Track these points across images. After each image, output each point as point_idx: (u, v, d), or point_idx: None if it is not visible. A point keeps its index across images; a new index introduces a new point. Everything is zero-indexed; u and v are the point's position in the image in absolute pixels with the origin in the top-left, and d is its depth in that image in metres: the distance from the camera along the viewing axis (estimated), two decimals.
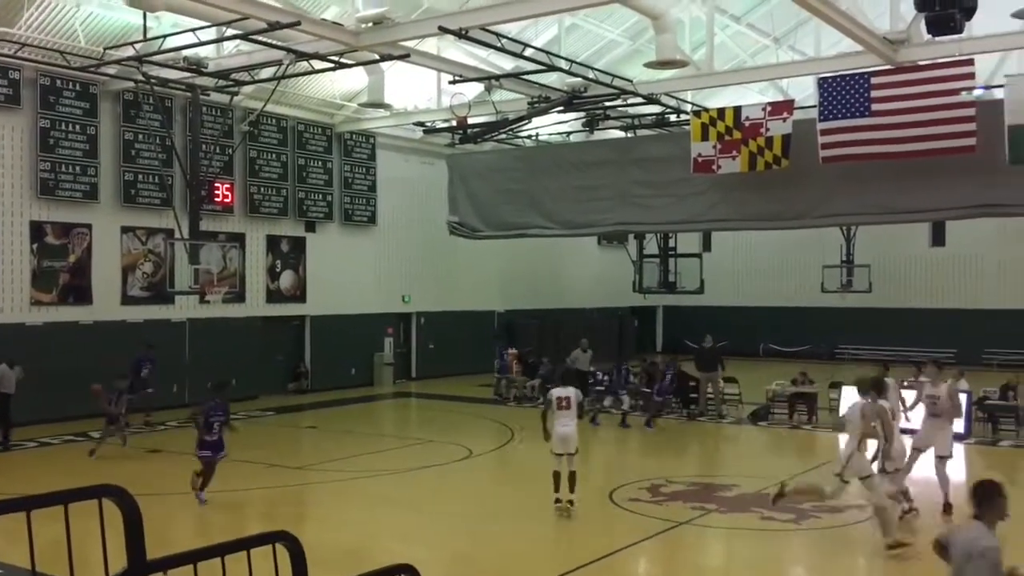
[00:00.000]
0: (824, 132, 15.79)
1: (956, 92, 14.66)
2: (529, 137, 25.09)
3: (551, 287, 31.66)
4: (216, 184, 20.95)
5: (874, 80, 15.32)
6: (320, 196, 24.67)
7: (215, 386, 12.85)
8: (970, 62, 14.62)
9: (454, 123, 21.77)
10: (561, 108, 20.96)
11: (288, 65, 16.98)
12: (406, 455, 15.79)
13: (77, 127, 19.28)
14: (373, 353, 25.76)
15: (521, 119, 21.56)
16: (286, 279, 24.03)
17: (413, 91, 23.49)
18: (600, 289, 33.39)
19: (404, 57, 17.26)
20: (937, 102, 14.60)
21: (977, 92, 16.13)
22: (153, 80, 17.83)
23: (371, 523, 11.83)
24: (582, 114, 22.69)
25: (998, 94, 15.35)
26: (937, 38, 14.84)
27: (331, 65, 17.61)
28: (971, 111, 14.42)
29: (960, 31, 14.60)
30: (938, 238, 32.72)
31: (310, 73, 19.34)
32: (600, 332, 32.93)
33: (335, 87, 23.51)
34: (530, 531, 11.04)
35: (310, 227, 24.56)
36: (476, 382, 25.13)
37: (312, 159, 24.43)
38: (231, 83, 18.96)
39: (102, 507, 2.99)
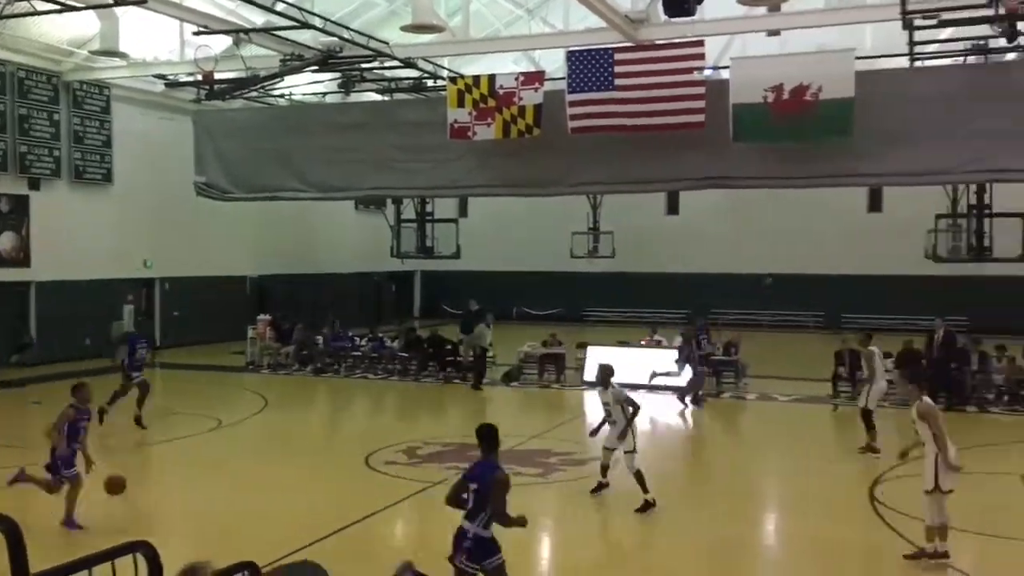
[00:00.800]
0: (572, 104, 16.47)
1: (688, 71, 15.78)
2: (282, 96, 24.19)
3: (307, 252, 30.93)
4: None
5: (617, 56, 16.13)
6: (45, 151, 22.43)
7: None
8: (700, 43, 15.77)
9: (199, 77, 20.53)
10: (315, 68, 20.36)
11: (7, 3, 15.22)
12: (145, 430, 14.87)
13: None
14: (111, 322, 23.93)
15: (273, 77, 20.73)
16: (6, 241, 21.73)
17: (153, 41, 21.86)
18: (357, 254, 33.06)
19: (141, 2, 16.00)
20: (671, 80, 15.66)
21: (707, 72, 17.43)
22: None
23: (107, 503, 11.06)
24: (338, 75, 22.18)
25: (725, 75, 16.66)
26: (673, 19, 15.87)
27: (56, 7, 15.98)
28: (701, 90, 15.59)
29: (692, 14, 15.70)
30: (672, 207, 35.29)
31: (33, 14, 17.43)
32: (357, 297, 32.71)
33: (63, 31, 21.37)
34: (283, 500, 10.80)
35: (34, 184, 22.31)
36: (228, 350, 24.11)
37: (36, 109, 22.14)
38: None
39: None
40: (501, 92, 17.55)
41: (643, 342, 21.17)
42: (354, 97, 23.89)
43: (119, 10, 17.50)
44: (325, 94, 24.24)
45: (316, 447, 14.73)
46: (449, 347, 21.27)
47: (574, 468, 12.42)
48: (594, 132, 16.47)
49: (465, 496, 6.41)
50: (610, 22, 15.94)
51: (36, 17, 18.03)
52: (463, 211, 32.96)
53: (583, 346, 21.12)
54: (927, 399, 8.55)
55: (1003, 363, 17.91)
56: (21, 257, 22.03)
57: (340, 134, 20.70)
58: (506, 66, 23.93)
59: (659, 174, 17.17)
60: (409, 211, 29.12)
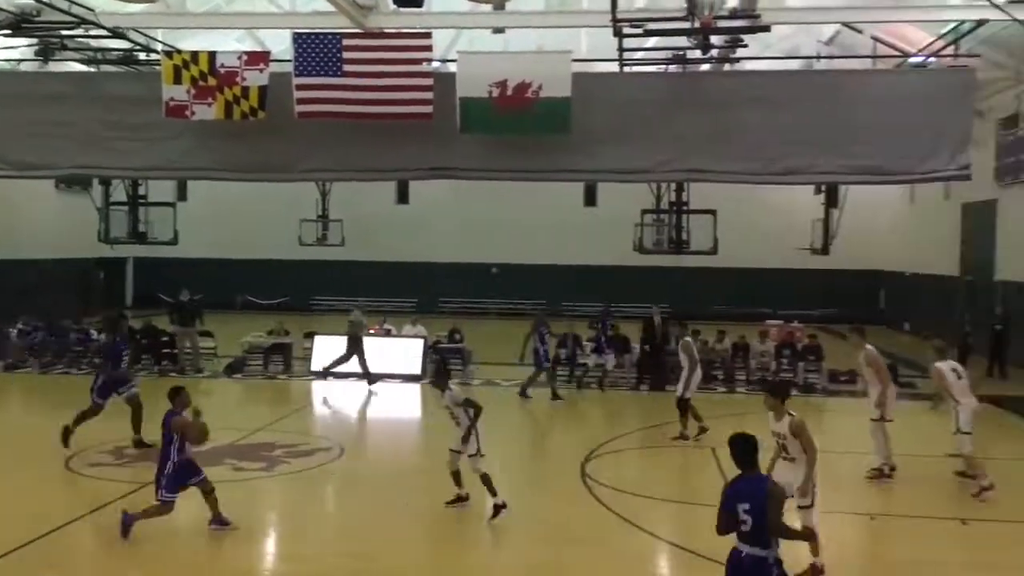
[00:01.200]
0: (299, 88, 16.01)
1: (417, 62, 15.87)
2: None
3: (2, 234, 27.81)
4: None
5: (345, 42, 15.89)
6: None
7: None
8: (429, 35, 15.91)
9: None
10: (7, 32, 18.24)
11: None
12: None
13: None
14: None
15: None
16: None
17: None
18: (59, 238, 30.20)
19: None
20: (400, 69, 15.68)
21: (435, 64, 17.64)
22: None
23: None
24: (34, 41, 20.01)
25: (452, 68, 16.97)
26: (402, 9, 15.92)
27: None
28: (429, 81, 15.73)
29: (420, 5, 15.85)
30: (403, 197, 35.51)
31: None
32: (59, 285, 29.87)
33: None
34: None
35: None
36: None
37: None
38: None
39: None
40: (223, 71, 16.67)
41: (372, 331, 21.16)
42: (53, 66, 21.71)
43: None
44: (20, 61, 21.83)
45: (5, 452, 13.29)
46: (165, 339, 20.06)
47: (300, 459, 12.19)
48: (321, 118, 16.13)
49: (740, 520, 5.82)
50: (338, 7, 15.67)
51: None
52: (182, 194, 30.96)
53: (311, 335, 20.76)
54: (795, 415, 7.99)
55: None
56: None
57: (38, 107, 18.67)
58: (228, 44, 22.84)
59: (388, 163, 17.13)
60: (120, 193, 26.98)
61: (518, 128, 15.46)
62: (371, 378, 18.52)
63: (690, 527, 9.58)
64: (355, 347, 18.60)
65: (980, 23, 16.45)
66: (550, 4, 18.24)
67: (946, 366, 11.08)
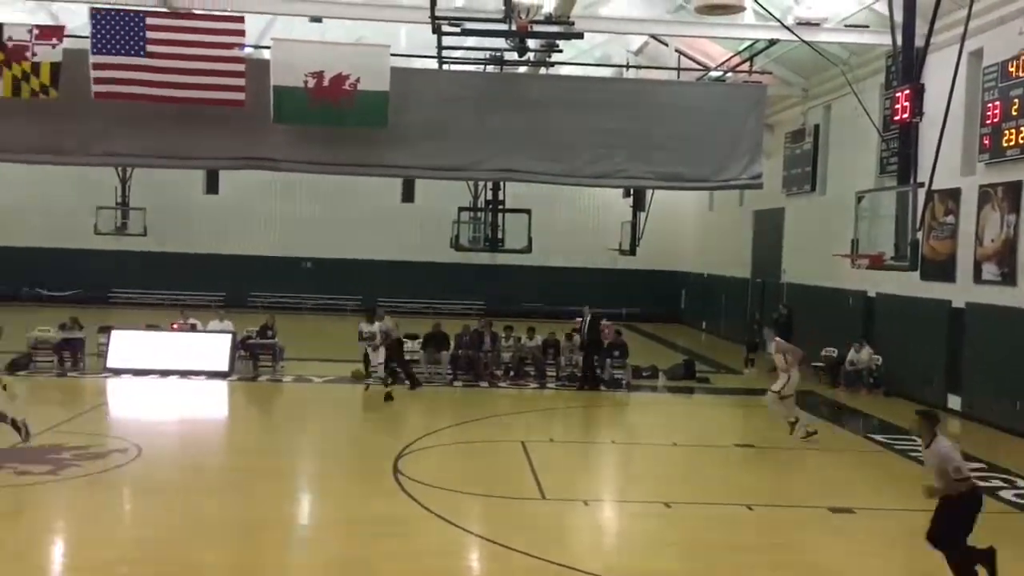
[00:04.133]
0: (96, 66, 15.00)
1: (229, 46, 15.24)
2: None
3: None
4: None
5: (149, 20, 15.04)
6: None
7: None
8: (241, 19, 15.34)
9: None
10: None
11: None
12: None
13: None
14: None
15: None
16: None
17: None
18: None
19: None
20: (210, 53, 15.01)
21: (248, 50, 17.02)
22: None
23: None
24: None
25: (266, 54, 16.44)
26: None
27: None
28: (241, 67, 15.15)
29: None
30: (212, 186, 34.10)
31: None
32: None
33: None
34: None
35: None
36: None
37: None
38: None
39: None
40: (11, 45, 15.37)
41: (174, 325, 20.18)
42: None
43: None
44: None
45: None
46: None
47: (91, 462, 11.44)
48: (121, 99, 15.17)
49: None
50: None
51: None
52: None
53: (106, 330, 19.53)
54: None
55: (510, 342, 20.22)
56: None
57: None
58: (17, 16, 21.12)
59: (195, 151, 16.34)
60: None
61: (334, 120, 15.20)
62: (413, 382, 18.02)
63: (500, 520, 9.77)
64: (396, 351, 17.71)
65: (772, 43, 17.76)
66: None
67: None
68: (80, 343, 19.03)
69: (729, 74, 20.28)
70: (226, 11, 15.51)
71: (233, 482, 11.14)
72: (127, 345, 18.85)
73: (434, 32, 15.76)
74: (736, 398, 18.95)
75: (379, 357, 16.69)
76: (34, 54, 15.42)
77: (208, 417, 16.42)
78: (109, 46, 14.94)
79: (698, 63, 22.37)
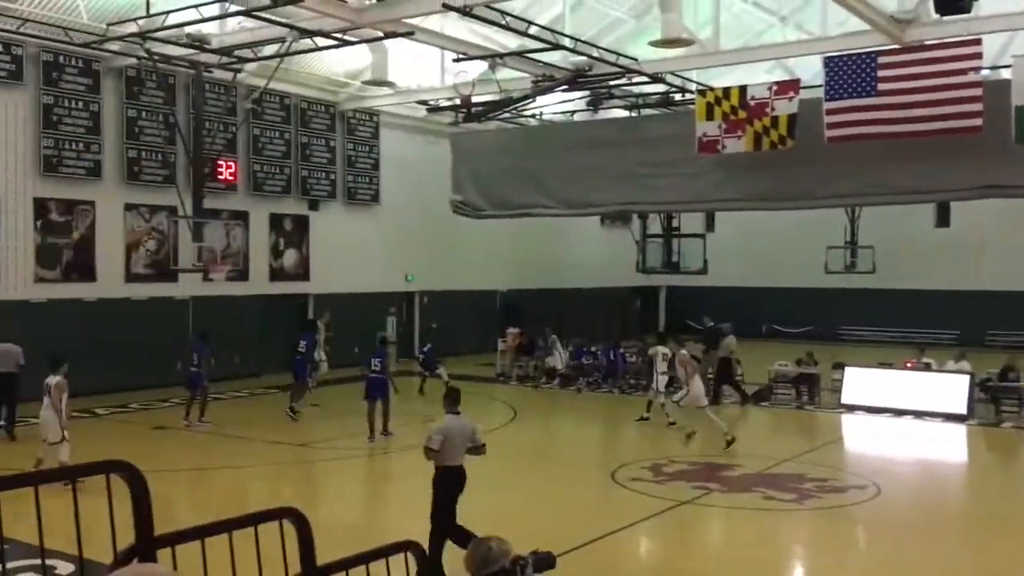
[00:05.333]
0: (830, 111, 15.66)
1: (963, 72, 14.51)
2: (533, 116, 24.96)
3: (553, 267, 31.60)
4: (219, 162, 20.86)
5: (881, 59, 15.16)
6: (323, 175, 24.61)
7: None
8: (977, 42, 14.48)
9: (458, 102, 21.65)
10: (565, 87, 20.84)
11: (291, 42, 16.89)
12: (410, 432, 15.81)
13: (80, 104, 19.19)
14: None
15: (525, 98, 21.44)
16: (289, 258, 24.02)
17: (417, 69, 23.35)
18: (603, 269, 33.31)
19: (408, 35, 17.16)
20: (944, 82, 14.46)
21: (984, 72, 15.97)
22: (156, 57, 17.74)
23: (376, 500, 11.88)
24: (586, 93, 22.56)
25: (1005, 74, 15.22)
26: (944, 17, 14.73)
27: (334, 42, 17.52)
28: (978, 91, 14.28)
29: (968, 11, 14.50)
30: (943, 219, 32.55)
31: (313, 51, 19.25)
32: (602, 312, 32.99)
33: (339, 65, 23.38)
34: (534, 507, 11.07)
35: (313, 206, 24.51)
36: (477, 361, 25.14)
37: (315, 137, 24.35)
38: (234, 60, 18.87)
39: (110, 483, 3.00)
40: (753, 103, 17.02)
41: (908, 364, 19.71)
42: (602, 114, 24.19)
43: (388, 42, 18.87)
44: (574, 112, 24.73)
45: (564, 459, 15.02)
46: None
47: (831, 495, 11.78)
48: (853, 140, 15.54)
49: None
50: (874, 24, 15.07)
51: (316, 53, 19.88)
52: (710, 225, 32.27)
53: (840, 366, 20.01)
54: None
55: None
56: (301, 272, 24.26)
57: (588, 151, 20.97)
58: (758, 76, 23.23)
59: (929, 184, 15.88)
60: (655, 226, 28.97)
61: None
62: (744, 398, 19.12)
63: None
64: (726, 368, 19.29)
65: None
66: None
67: None
68: (816, 378, 19.83)
69: None
70: (961, 37, 14.78)
71: (972, 530, 10.36)
72: (861, 382, 19.04)
73: None
74: None
75: None
76: (772, 109, 16.77)
77: (946, 460, 15.63)
78: (841, 90, 15.44)
79: None
